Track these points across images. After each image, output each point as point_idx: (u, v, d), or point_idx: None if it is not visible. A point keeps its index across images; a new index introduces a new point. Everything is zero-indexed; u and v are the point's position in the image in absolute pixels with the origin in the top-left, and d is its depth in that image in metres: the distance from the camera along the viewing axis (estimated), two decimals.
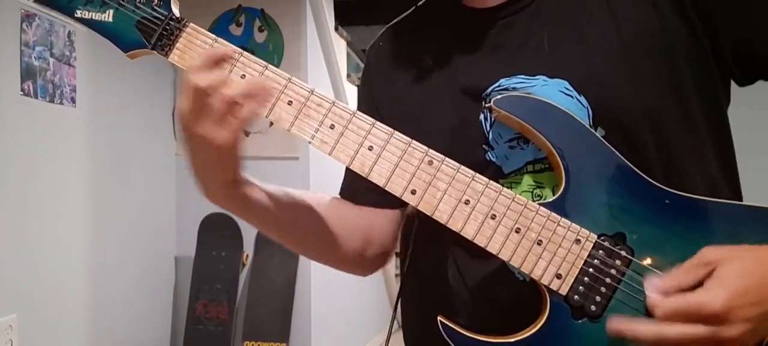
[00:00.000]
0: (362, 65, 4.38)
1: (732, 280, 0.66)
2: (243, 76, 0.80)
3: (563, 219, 0.75)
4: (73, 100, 2.36)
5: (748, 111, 0.98)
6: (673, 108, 0.78)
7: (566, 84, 0.78)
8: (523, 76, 0.80)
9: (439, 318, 0.78)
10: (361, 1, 4.10)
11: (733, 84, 0.84)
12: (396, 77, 0.94)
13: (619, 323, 0.70)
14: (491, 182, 0.77)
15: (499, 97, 0.77)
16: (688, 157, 0.79)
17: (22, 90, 2.12)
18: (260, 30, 3.09)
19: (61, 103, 2.31)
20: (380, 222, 0.95)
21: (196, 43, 0.82)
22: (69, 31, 2.33)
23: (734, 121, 0.85)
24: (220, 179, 0.81)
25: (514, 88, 0.80)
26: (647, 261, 0.73)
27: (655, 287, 0.69)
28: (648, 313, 0.71)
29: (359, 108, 0.97)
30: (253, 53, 0.81)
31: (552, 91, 0.78)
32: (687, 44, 0.78)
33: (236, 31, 3.10)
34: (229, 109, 0.73)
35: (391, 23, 1.00)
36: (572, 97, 0.78)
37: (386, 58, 0.97)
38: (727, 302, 0.64)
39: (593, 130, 0.76)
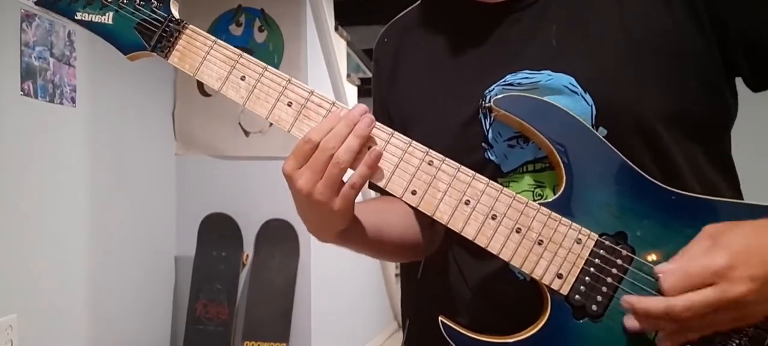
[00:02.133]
0: (362, 65, 4.37)
1: (734, 242, 0.66)
2: (243, 78, 0.81)
3: (564, 219, 0.75)
4: (73, 100, 2.36)
5: (749, 111, 0.98)
6: (677, 109, 0.78)
7: (572, 80, 0.78)
8: (528, 71, 0.80)
9: (440, 318, 0.78)
10: (361, 1, 4.10)
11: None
12: (401, 74, 0.94)
13: (631, 299, 0.70)
14: (492, 182, 0.77)
15: (499, 96, 0.77)
16: (689, 159, 0.79)
17: (22, 90, 2.12)
18: (260, 30, 3.09)
19: (61, 103, 2.30)
20: None
21: (196, 45, 0.82)
22: (69, 31, 2.33)
23: (736, 121, 0.85)
24: (334, 231, 0.83)
25: (519, 84, 0.80)
26: (649, 260, 0.73)
27: (664, 267, 0.69)
28: None
29: (374, 107, 0.98)
30: (252, 53, 0.81)
31: (557, 85, 0.78)
32: (697, 46, 0.78)
33: (236, 31, 3.09)
34: (343, 174, 0.75)
35: (397, 18, 1.00)
36: (577, 93, 0.78)
37: (391, 54, 0.96)
38: (729, 259, 0.64)
39: (594, 130, 0.76)
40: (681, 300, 0.66)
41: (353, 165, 0.76)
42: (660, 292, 0.68)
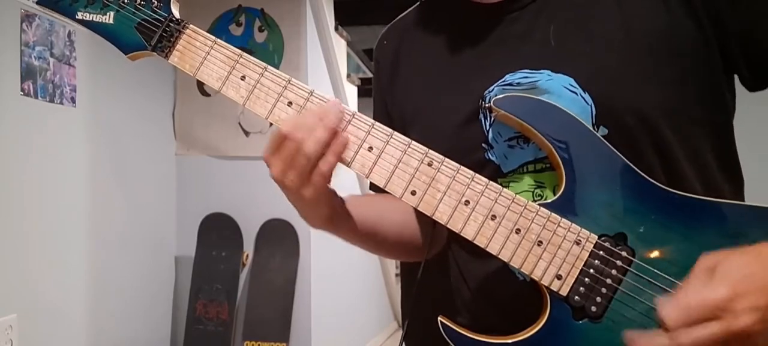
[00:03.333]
0: (362, 65, 4.37)
1: (732, 272, 0.65)
2: (243, 78, 0.81)
3: (563, 220, 0.75)
4: (73, 100, 2.36)
5: (749, 111, 0.98)
6: (677, 109, 0.78)
7: (571, 80, 0.78)
8: (527, 71, 0.80)
9: (439, 318, 0.78)
10: (361, 1, 4.10)
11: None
12: (401, 75, 0.94)
13: (634, 336, 0.69)
14: (491, 182, 0.77)
15: (499, 96, 0.77)
16: (690, 159, 0.79)
17: (22, 90, 2.12)
18: (260, 30, 3.09)
19: (61, 103, 2.30)
20: None
21: (196, 45, 0.82)
22: (69, 31, 2.33)
23: (736, 121, 0.85)
24: (317, 216, 0.85)
25: (518, 84, 0.80)
26: (649, 262, 0.73)
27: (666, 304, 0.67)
28: (650, 314, 0.72)
29: (374, 108, 0.98)
30: (252, 53, 0.81)
31: (556, 85, 0.78)
32: (695, 45, 0.78)
33: (236, 31, 3.10)
34: (311, 163, 0.76)
35: (397, 19, 1.00)
36: (577, 93, 0.78)
37: (391, 55, 0.97)
38: (729, 290, 0.63)
39: (594, 130, 0.76)
40: (686, 337, 0.64)
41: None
42: (661, 327, 0.67)
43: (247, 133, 3.07)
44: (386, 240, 0.94)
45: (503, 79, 0.81)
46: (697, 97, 0.79)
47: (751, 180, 0.92)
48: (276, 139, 0.78)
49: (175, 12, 0.83)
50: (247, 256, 3.07)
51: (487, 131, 0.82)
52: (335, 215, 0.86)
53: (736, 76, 0.82)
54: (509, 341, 0.75)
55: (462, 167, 0.77)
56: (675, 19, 0.78)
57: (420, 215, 0.90)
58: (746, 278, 0.64)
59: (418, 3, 0.98)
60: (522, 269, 0.75)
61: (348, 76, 3.90)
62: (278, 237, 3.02)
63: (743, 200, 0.84)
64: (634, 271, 0.73)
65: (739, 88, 0.83)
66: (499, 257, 0.76)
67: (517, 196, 0.76)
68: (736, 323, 0.63)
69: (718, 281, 0.65)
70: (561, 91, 0.78)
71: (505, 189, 0.77)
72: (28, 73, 2.14)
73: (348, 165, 0.79)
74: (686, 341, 0.64)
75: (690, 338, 0.64)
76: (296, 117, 0.78)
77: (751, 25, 0.77)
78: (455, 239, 0.86)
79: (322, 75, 3.38)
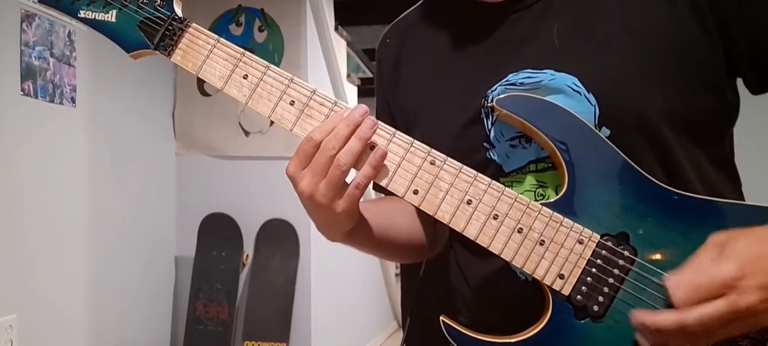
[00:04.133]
0: (362, 65, 4.36)
1: (741, 251, 0.65)
2: (245, 77, 0.81)
3: (566, 219, 0.75)
4: (73, 100, 2.36)
5: (749, 112, 0.98)
6: (680, 111, 0.78)
7: (575, 80, 0.78)
8: (530, 70, 0.80)
9: (441, 318, 0.78)
10: (361, 1, 4.10)
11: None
12: (403, 75, 0.94)
13: (641, 315, 0.69)
14: (493, 182, 0.77)
15: (501, 96, 0.77)
16: (691, 160, 0.79)
17: (22, 90, 2.12)
18: (260, 30, 3.09)
19: (61, 103, 2.30)
20: None
21: (199, 44, 0.82)
22: (69, 31, 2.33)
23: (738, 121, 0.85)
24: (340, 231, 0.82)
25: (521, 83, 0.80)
26: (651, 261, 0.73)
27: (673, 279, 0.68)
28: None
29: (377, 107, 0.98)
30: (253, 53, 0.81)
31: (560, 85, 0.78)
32: (700, 47, 0.78)
33: (236, 30, 3.10)
34: (345, 176, 0.75)
35: (400, 18, 1.00)
36: (580, 93, 0.78)
37: (394, 55, 0.96)
38: (737, 268, 0.63)
39: (596, 130, 0.76)
40: (693, 314, 0.64)
41: (356, 166, 0.76)
42: (669, 305, 0.67)
43: (247, 133, 3.07)
44: (398, 246, 0.93)
45: (506, 79, 0.81)
46: (700, 99, 0.79)
47: (751, 180, 0.92)
48: (305, 150, 0.75)
49: (178, 10, 0.83)
50: (247, 256, 3.07)
51: (489, 131, 0.82)
52: (355, 228, 0.84)
53: (739, 80, 0.82)
54: (511, 340, 0.75)
55: (464, 166, 0.77)
56: (680, 21, 0.78)
57: (422, 215, 0.90)
58: (754, 257, 0.65)
59: (420, 2, 0.98)
60: (524, 269, 0.75)
61: (348, 76, 3.90)
62: (278, 237, 3.02)
63: (743, 200, 0.84)
64: (637, 270, 0.73)
65: (741, 88, 0.83)
66: (501, 256, 0.76)
67: (520, 195, 0.76)
68: (742, 300, 0.63)
69: (726, 258, 0.65)
70: (565, 91, 0.78)
71: (507, 188, 0.76)
72: (28, 73, 2.13)
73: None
74: (692, 318, 0.64)
75: (696, 315, 0.64)
76: (325, 125, 0.75)
77: (757, 28, 0.77)
78: (457, 239, 0.86)
79: (322, 75, 3.38)
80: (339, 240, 0.84)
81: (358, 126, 0.75)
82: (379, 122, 0.79)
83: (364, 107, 0.77)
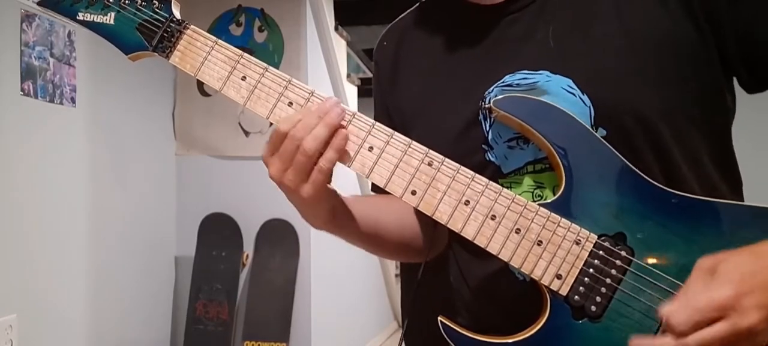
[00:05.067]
0: (362, 65, 4.36)
1: (734, 271, 0.65)
2: (244, 78, 0.81)
3: (563, 220, 0.75)
4: (73, 100, 2.36)
5: (749, 112, 0.98)
6: (676, 111, 0.78)
7: (570, 82, 0.78)
8: (526, 72, 0.81)
9: (439, 318, 0.78)
10: (361, 1, 4.10)
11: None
12: (401, 76, 0.95)
13: (640, 341, 0.68)
14: (491, 182, 0.77)
15: (499, 97, 0.77)
16: (688, 160, 0.79)
17: (22, 90, 2.12)
18: (260, 30, 3.09)
19: (61, 103, 2.31)
20: None
21: (197, 45, 0.82)
22: (69, 31, 2.33)
23: (735, 121, 0.85)
24: (317, 216, 0.84)
25: (517, 85, 0.80)
26: (648, 262, 0.73)
27: (671, 307, 0.67)
28: (650, 313, 0.72)
29: (375, 109, 0.98)
30: (252, 53, 0.82)
31: (555, 87, 0.78)
32: (694, 47, 0.78)
33: (236, 31, 3.10)
34: (311, 161, 0.76)
35: (396, 20, 1.00)
36: (575, 95, 0.78)
37: (391, 57, 0.97)
38: (733, 290, 0.63)
39: (593, 131, 0.77)
40: (694, 339, 0.64)
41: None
42: (665, 329, 0.66)
43: (247, 133, 3.07)
44: (387, 241, 0.94)
45: (502, 80, 0.82)
46: (695, 99, 0.79)
47: (750, 180, 0.92)
48: (275, 139, 0.78)
49: (176, 13, 0.83)
50: (247, 256, 3.08)
51: (487, 132, 0.83)
52: (336, 215, 0.85)
53: (735, 79, 0.82)
54: (509, 340, 0.75)
55: (462, 167, 0.77)
56: (674, 21, 0.78)
57: (420, 216, 0.91)
58: (748, 276, 0.64)
59: (417, 4, 0.98)
60: (522, 269, 0.76)
61: (348, 76, 3.90)
62: (278, 237, 3.02)
63: (742, 200, 0.84)
64: (634, 270, 0.73)
65: (739, 88, 0.83)
66: (499, 256, 0.76)
67: (517, 196, 0.76)
68: (742, 321, 0.63)
69: (721, 280, 0.65)
70: (560, 92, 0.78)
71: (505, 189, 0.77)
72: (28, 73, 2.14)
73: (348, 165, 0.79)
74: (693, 342, 0.64)
75: (697, 339, 0.64)
76: (294, 115, 0.78)
77: (749, 26, 0.77)
78: (456, 239, 0.86)
79: (322, 75, 3.39)
80: (321, 227, 0.86)
81: (326, 114, 0.76)
82: (377, 123, 0.79)
83: (334, 99, 0.78)
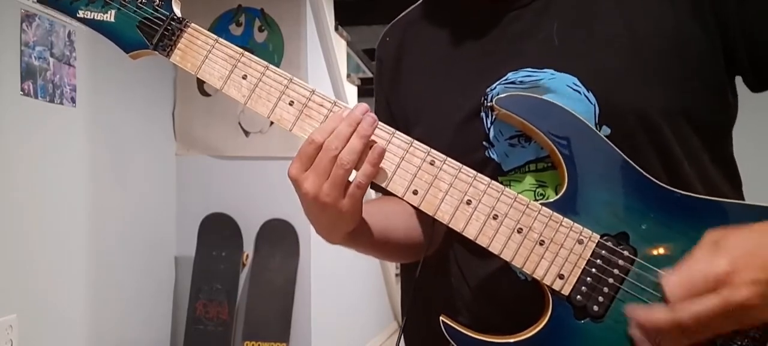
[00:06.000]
0: (362, 65, 4.36)
1: (735, 246, 0.66)
2: (244, 77, 0.81)
3: (565, 219, 0.75)
4: (73, 100, 2.36)
5: (749, 111, 0.98)
6: (680, 110, 0.78)
7: (574, 79, 0.78)
8: (530, 69, 0.80)
9: (441, 318, 0.78)
10: (361, 1, 4.10)
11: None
12: (403, 73, 0.94)
13: (637, 311, 0.69)
14: (493, 182, 0.77)
15: (501, 96, 0.77)
16: (691, 159, 0.79)
17: (22, 90, 2.12)
18: (260, 30, 3.09)
19: (61, 103, 2.30)
20: None
21: (198, 44, 0.82)
22: (69, 31, 2.33)
23: (737, 120, 0.85)
24: (342, 232, 0.82)
25: (520, 82, 0.80)
26: (650, 261, 0.73)
27: (668, 276, 0.68)
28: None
29: (376, 106, 0.98)
30: (253, 53, 0.81)
31: (560, 84, 0.78)
32: (700, 46, 0.78)
33: (236, 31, 3.09)
34: (348, 174, 0.75)
35: (399, 17, 1.00)
36: (580, 93, 0.78)
37: (394, 53, 0.97)
38: (729, 263, 0.63)
39: (596, 129, 0.76)
40: (687, 310, 0.64)
41: (357, 165, 0.76)
42: (663, 298, 0.67)
43: (247, 133, 3.07)
44: (396, 245, 0.94)
45: (505, 78, 0.81)
46: (699, 98, 0.79)
47: (751, 180, 0.92)
48: (308, 151, 0.75)
49: (177, 11, 0.83)
50: (247, 256, 3.07)
51: (489, 129, 0.82)
52: (356, 229, 0.84)
53: (737, 78, 0.82)
54: (511, 340, 0.75)
55: (464, 166, 0.77)
56: (680, 19, 0.78)
57: (420, 215, 0.90)
58: (748, 252, 0.65)
59: (420, 1, 0.98)
60: (524, 269, 0.75)
61: (348, 76, 3.90)
62: (278, 237, 3.02)
63: (743, 199, 0.84)
64: (637, 270, 0.73)
65: (740, 87, 0.83)
66: (501, 256, 0.76)
67: (519, 195, 0.76)
68: (734, 296, 0.63)
69: (719, 254, 0.65)
70: (564, 90, 0.78)
71: (507, 188, 0.76)
72: (28, 73, 2.13)
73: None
74: (685, 314, 0.65)
75: (689, 311, 0.64)
76: (325, 125, 0.76)
77: (758, 26, 0.77)
78: (457, 239, 0.86)
79: (322, 75, 3.38)
80: (339, 242, 0.84)
81: (358, 124, 0.75)
82: (379, 122, 0.79)
83: (364, 106, 0.77)
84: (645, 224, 0.74)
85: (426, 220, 0.90)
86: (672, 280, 0.67)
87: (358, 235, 0.85)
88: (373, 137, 0.77)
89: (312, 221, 0.82)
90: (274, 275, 3.00)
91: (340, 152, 0.74)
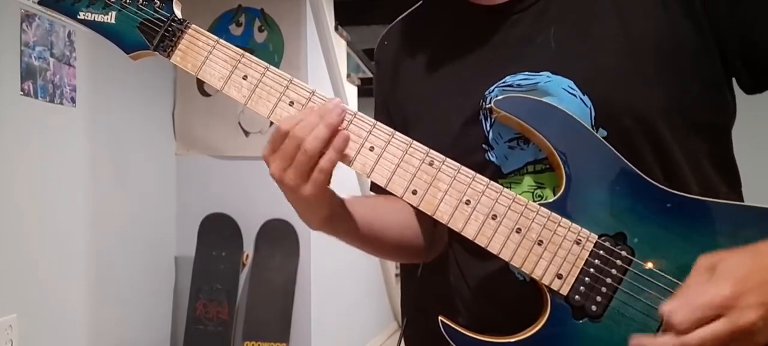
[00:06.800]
0: (362, 65, 4.36)
1: (733, 269, 0.66)
2: (245, 78, 0.81)
3: (564, 219, 0.75)
4: (73, 100, 2.36)
5: (749, 112, 0.98)
6: (676, 111, 0.78)
7: (570, 82, 0.78)
8: (527, 73, 0.81)
9: (440, 318, 0.78)
10: (361, 1, 4.10)
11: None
12: (402, 75, 0.95)
13: (641, 340, 0.69)
14: (492, 182, 0.77)
15: (500, 98, 0.78)
16: (688, 160, 0.79)
17: (22, 90, 2.12)
18: (260, 30, 3.09)
19: (61, 103, 2.31)
20: None
21: (198, 45, 0.82)
22: (69, 31, 2.33)
23: (736, 120, 0.85)
24: (316, 217, 0.85)
25: (518, 85, 0.81)
26: (648, 262, 0.74)
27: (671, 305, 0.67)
28: (650, 313, 0.72)
29: (375, 108, 0.98)
30: (253, 53, 0.82)
31: (556, 87, 0.79)
32: (695, 47, 0.78)
33: (236, 31, 3.10)
34: (312, 161, 0.76)
35: (398, 19, 1.00)
36: (576, 96, 0.78)
37: (392, 56, 0.97)
38: (732, 288, 0.64)
39: (594, 131, 0.77)
40: (694, 337, 0.64)
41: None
42: (664, 328, 0.67)
43: (247, 133, 3.07)
44: (387, 242, 0.94)
45: (503, 81, 0.82)
46: (696, 99, 0.79)
47: (750, 180, 0.92)
48: (275, 137, 0.78)
49: (178, 12, 0.83)
50: (247, 256, 3.07)
51: (488, 132, 0.83)
52: (335, 216, 0.86)
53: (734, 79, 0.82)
54: (510, 340, 0.75)
55: (463, 167, 0.77)
56: (674, 22, 0.78)
57: (421, 215, 0.91)
58: (747, 275, 0.65)
59: (419, 3, 0.98)
60: (522, 269, 0.76)
61: (348, 76, 3.90)
62: (278, 237, 3.02)
63: (741, 200, 0.84)
64: (634, 270, 0.73)
65: (739, 88, 0.83)
66: (500, 256, 0.76)
67: (518, 196, 0.76)
68: (741, 319, 0.63)
69: (720, 279, 0.65)
70: (560, 93, 0.78)
71: (505, 189, 0.77)
72: (28, 73, 2.14)
73: (349, 165, 0.79)
74: (693, 340, 0.64)
75: (696, 337, 0.64)
76: (296, 115, 0.78)
77: (749, 27, 0.77)
78: (455, 239, 0.86)
79: (322, 75, 3.39)
80: (318, 228, 0.87)
81: (327, 115, 0.77)
82: (378, 123, 0.79)
83: (337, 100, 0.79)
84: (642, 224, 0.74)
85: (426, 221, 0.91)
86: (673, 308, 0.66)
87: (338, 223, 0.87)
88: (371, 138, 0.78)
89: (292, 205, 0.84)
90: (274, 275, 3.00)
91: (304, 139, 0.75)
